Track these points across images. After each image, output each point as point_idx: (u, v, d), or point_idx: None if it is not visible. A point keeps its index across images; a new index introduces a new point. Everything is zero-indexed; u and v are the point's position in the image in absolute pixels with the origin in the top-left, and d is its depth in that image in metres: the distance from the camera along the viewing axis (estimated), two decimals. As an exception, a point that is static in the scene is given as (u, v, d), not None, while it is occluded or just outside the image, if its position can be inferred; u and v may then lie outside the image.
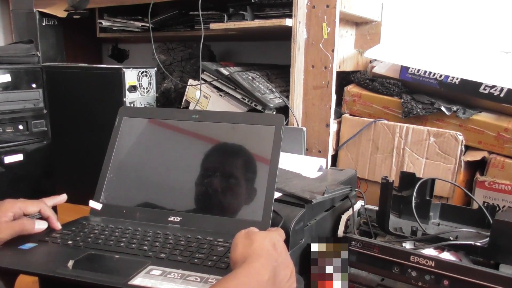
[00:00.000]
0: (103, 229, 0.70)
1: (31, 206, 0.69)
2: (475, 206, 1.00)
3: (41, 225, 0.69)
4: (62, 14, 1.60)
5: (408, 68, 1.17)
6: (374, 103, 1.22)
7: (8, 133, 1.03)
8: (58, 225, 0.71)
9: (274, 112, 1.19)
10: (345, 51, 1.28)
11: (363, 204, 1.00)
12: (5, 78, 1.01)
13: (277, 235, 0.59)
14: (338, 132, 1.25)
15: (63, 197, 0.76)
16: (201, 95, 1.27)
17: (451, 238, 0.83)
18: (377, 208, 0.91)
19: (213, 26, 1.26)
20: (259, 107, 1.20)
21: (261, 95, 1.20)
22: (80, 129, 1.31)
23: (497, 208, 0.97)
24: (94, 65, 1.35)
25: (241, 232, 0.58)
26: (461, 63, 1.15)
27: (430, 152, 1.10)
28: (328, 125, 1.16)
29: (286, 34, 1.17)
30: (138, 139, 0.85)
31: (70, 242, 0.65)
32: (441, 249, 0.81)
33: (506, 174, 1.02)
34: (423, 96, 1.15)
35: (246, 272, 0.50)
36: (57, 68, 1.41)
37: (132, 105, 1.25)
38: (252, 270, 0.51)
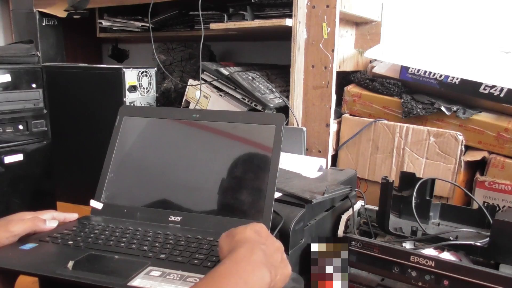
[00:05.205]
0: (103, 229, 0.70)
1: (43, 212, 0.71)
2: (475, 206, 1.00)
3: (52, 224, 0.69)
4: (62, 14, 1.60)
5: (408, 68, 1.17)
6: (374, 103, 1.22)
7: (8, 133, 1.03)
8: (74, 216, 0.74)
9: (274, 112, 1.19)
10: (345, 51, 1.28)
11: (363, 204, 1.00)
12: (5, 78, 1.01)
13: (258, 224, 0.58)
14: (338, 132, 1.25)
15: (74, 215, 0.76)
16: (201, 95, 1.27)
17: (451, 238, 0.83)
18: (377, 208, 0.91)
19: (213, 26, 1.26)
20: (259, 107, 1.20)
21: (261, 95, 1.20)
22: (80, 129, 1.31)
23: (497, 208, 0.97)
24: (94, 65, 1.35)
25: (222, 235, 0.58)
26: (461, 63, 1.15)
27: (430, 152, 1.10)
28: (328, 125, 1.16)
29: (286, 34, 1.17)
30: (139, 138, 0.85)
31: (70, 242, 0.65)
32: (441, 249, 0.81)
33: (506, 174, 1.02)
34: (423, 96, 1.15)
35: (233, 258, 0.49)
36: (57, 68, 1.41)
37: (132, 105, 1.25)
38: (240, 256, 0.49)
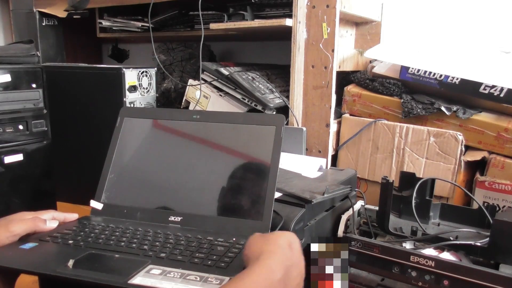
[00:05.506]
0: (103, 229, 0.70)
1: (44, 212, 0.71)
2: (475, 206, 1.00)
3: (52, 224, 0.70)
4: (62, 14, 1.60)
5: (408, 68, 1.17)
6: (374, 103, 1.22)
7: (8, 133, 1.03)
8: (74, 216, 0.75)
9: (274, 112, 1.19)
10: (345, 51, 1.29)
11: (363, 204, 1.00)
12: (5, 78, 1.01)
13: (294, 235, 0.59)
14: (338, 132, 1.25)
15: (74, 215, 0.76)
16: (201, 95, 1.28)
17: (451, 238, 0.83)
18: (377, 208, 0.91)
19: (213, 26, 1.26)
20: (259, 107, 1.20)
21: (261, 95, 1.20)
22: (80, 129, 1.31)
23: (497, 208, 0.97)
24: (94, 65, 1.35)
25: (255, 233, 0.58)
26: (461, 63, 1.15)
27: (430, 152, 1.10)
28: (328, 125, 1.17)
29: (286, 34, 1.17)
30: (139, 139, 0.85)
31: (70, 241, 0.65)
32: (441, 249, 0.81)
33: (506, 174, 1.02)
34: (423, 96, 1.15)
35: (259, 269, 0.50)
36: (57, 68, 1.41)
37: (132, 105, 1.25)
38: (266, 267, 0.50)
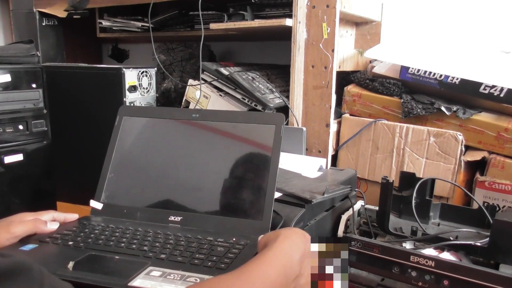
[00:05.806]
0: (103, 230, 0.70)
1: (44, 213, 0.72)
2: (475, 206, 0.99)
3: (52, 226, 0.70)
4: (62, 14, 1.60)
5: (408, 68, 1.17)
6: (374, 103, 1.22)
7: (8, 133, 1.03)
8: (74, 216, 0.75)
9: (274, 112, 1.19)
10: (345, 51, 1.28)
11: (363, 204, 0.99)
12: (5, 78, 1.01)
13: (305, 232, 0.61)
14: (338, 132, 1.25)
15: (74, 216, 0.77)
16: (201, 95, 1.27)
17: (451, 238, 0.83)
18: (377, 208, 0.91)
19: (213, 26, 1.26)
20: (259, 107, 1.20)
21: (261, 95, 1.20)
22: (80, 129, 1.31)
23: (497, 208, 0.97)
24: (94, 65, 1.35)
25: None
26: (461, 63, 1.15)
27: (430, 152, 1.10)
28: (328, 125, 1.16)
29: (286, 34, 1.16)
30: (139, 138, 0.85)
31: (70, 243, 0.65)
32: (441, 249, 0.81)
33: (506, 174, 1.02)
34: (423, 96, 1.15)
35: (280, 246, 0.53)
36: (57, 68, 1.41)
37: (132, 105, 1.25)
38: (286, 247, 0.53)
